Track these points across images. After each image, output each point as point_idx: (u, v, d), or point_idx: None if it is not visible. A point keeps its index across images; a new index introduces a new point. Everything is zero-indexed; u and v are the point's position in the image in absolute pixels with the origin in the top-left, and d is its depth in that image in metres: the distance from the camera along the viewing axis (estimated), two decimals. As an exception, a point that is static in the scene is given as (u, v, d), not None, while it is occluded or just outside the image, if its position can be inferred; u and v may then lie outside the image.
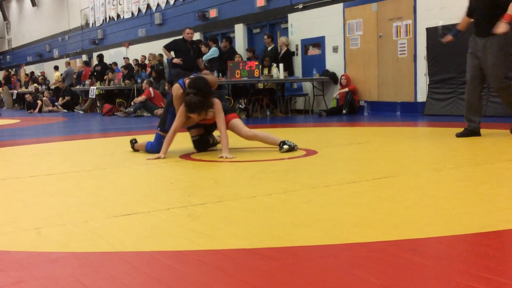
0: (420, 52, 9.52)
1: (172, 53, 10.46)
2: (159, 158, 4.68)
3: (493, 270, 1.74)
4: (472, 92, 5.52)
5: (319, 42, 11.59)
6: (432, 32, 9.07)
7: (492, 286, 1.59)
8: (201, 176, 3.88)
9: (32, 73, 24.44)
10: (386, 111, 10.09)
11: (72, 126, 10.71)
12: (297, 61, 12.13)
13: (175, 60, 10.10)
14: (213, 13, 14.48)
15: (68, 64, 20.69)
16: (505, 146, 4.84)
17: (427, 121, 8.31)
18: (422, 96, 9.57)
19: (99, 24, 21.17)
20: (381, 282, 1.65)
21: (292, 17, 12.13)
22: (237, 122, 5.04)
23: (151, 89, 12.67)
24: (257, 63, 10.48)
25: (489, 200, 2.74)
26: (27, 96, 18.87)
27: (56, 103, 17.90)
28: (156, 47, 15.24)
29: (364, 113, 10.40)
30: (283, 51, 11.88)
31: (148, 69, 15.44)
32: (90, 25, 21.91)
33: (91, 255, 2.04)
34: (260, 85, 11.24)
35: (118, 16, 19.63)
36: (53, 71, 22.15)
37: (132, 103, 13.29)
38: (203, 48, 11.74)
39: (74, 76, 18.94)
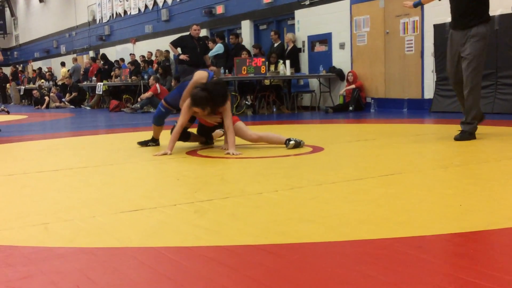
0: (428, 48, 9.47)
1: (179, 49, 10.46)
2: (165, 154, 4.69)
3: (499, 267, 1.74)
4: (460, 93, 5.21)
5: (325, 39, 11.56)
6: (439, 29, 9.03)
7: (498, 284, 1.59)
8: (208, 173, 3.89)
9: (40, 69, 24.52)
10: (393, 108, 10.06)
11: (79, 122, 10.74)
12: (304, 57, 12.11)
13: (182, 56, 10.11)
14: (219, 9, 14.48)
15: (75, 60, 20.76)
16: (513, 144, 4.82)
17: (434, 118, 8.28)
18: (429, 93, 9.53)
19: (106, 21, 21.20)
20: (387, 278, 1.65)
21: (298, 14, 12.10)
22: (241, 125, 5.03)
23: (157, 85, 12.69)
24: (263, 59, 10.47)
25: (496, 198, 2.73)
26: (34, 92, 18.94)
27: (63, 99, 17.96)
28: (163, 43, 15.26)
29: (371, 110, 10.37)
30: (289, 48, 11.86)
31: (155, 65, 15.46)
32: (97, 21, 21.95)
33: (98, 250, 2.05)
34: (267, 82, 11.23)
35: (125, 12, 19.66)
36: (60, 67, 22.23)
37: (139, 99, 13.32)
38: (210, 45, 11.74)
39: (81, 72, 19.00)
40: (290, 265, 1.82)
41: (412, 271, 1.72)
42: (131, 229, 2.35)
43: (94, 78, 16.98)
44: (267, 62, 10.68)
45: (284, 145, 4.90)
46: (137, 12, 18.82)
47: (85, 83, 17.91)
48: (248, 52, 11.65)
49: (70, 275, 1.79)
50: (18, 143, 6.54)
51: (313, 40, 11.86)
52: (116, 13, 20.35)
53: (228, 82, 10.87)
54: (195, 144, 5.39)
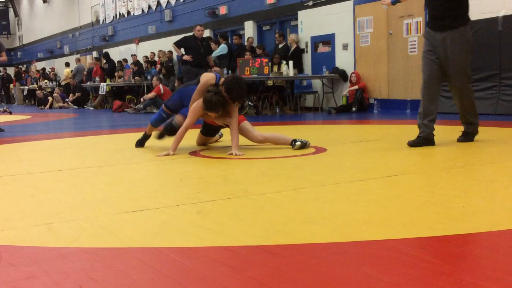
0: (431, 49, 9.45)
1: (182, 50, 10.48)
2: (168, 154, 4.69)
3: (503, 269, 1.73)
4: (429, 93, 4.88)
5: (329, 40, 11.56)
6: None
7: (501, 285, 1.58)
8: (211, 173, 3.89)
9: (44, 69, 24.58)
10: (396, 109, 10.05)
11: (82, 123, 10.76)
12: (307, 58, 12.10)
13: (185, 57, 10.12)
14: (223, 10, 14.49)
15: (78, 60, 20.79)
16: (516, 145, 4.81)
17: (437, 119, 8.24)
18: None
19: (109, 21, 21.24)
20: (391, 280, 1.65)
21: (302, 14, 12.10)
22: (247, 126, 5.02)
23: (161, 86, 12.71)
24: (266, 60, 10.47)
25: (499, 199, 2.73)
26: (38, 92, 18.99)
27: (67, 99, 17.99)
28: (166, 44, 15.28)
29: (374, 110, 10.35)
30: (293, 48, 11.86)
31: (158, 66, 15.48)
32: (101, 21, 21.99)
33: (101, 250, 2.06)
34: (270, 82, 11.23)
35: (129, 13, 19.69)
36: (63, 68, 22.27)
37: (141, 99, 13.34)
38: (213, 45, 11.75)
39: (85, 72, 19.03)
40: (293, 266, 1.82)
41: (415, 272, 1.72)
42: (134, 229, 2.35)
43: (97, 79, 17.01)
44: (270, 63, 10.68)
45: (290, 146, 4.90)
46: (140, 12, 18.85)
47: (88, 83, 17.95)
48: (254, 53, 11.62)
49: (73, 275, 1.80)
50: (22, 143, 6.55)
51: (316, 40, 11.86)
52: (120, 13, 20.38)
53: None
54: (194, 145, 5.39)
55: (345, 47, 11.20)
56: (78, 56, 22.49)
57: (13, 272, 1.84)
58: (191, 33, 10.56)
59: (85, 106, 17.37)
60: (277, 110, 11.19)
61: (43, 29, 28.36)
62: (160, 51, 16.07)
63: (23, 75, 25.39)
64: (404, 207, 2.58)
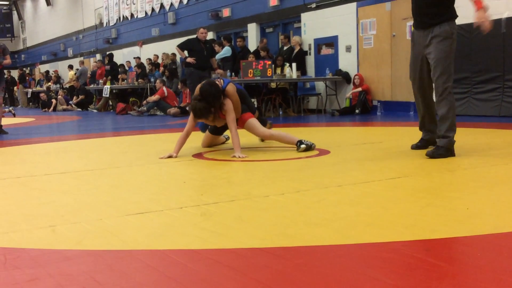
0: (434, 51, 9.44)
1: (186, 52, 10.49)
2: (170, 156, 4.70)
3: (508, 271, 1.73)
4: (423, 99, 4.79)
5: (332, 42, 11.56)
6: (446, 32, 9.00)
7: (505, 287, 1.58)
8: (214, 175, 3.89)
9: (48, 72, 24.65)
10: (399, 111, 10.04)
11: (86, 125, 10.78)
12: (310, 60, 12.10)
13: (189, 59, 10.13)
14: (226, 12, 14.50)
15: (82, 63, 20.84)
16: (520, 147, 4.79)
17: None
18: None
19: (113, 24, 21.28)
20: (394, 282, 1.65)
21: (305, 17, 12.11)
22: (253, 122, 5.06)
23: (165, 88, 12.72)
24: (270, 62, 10.47)
25: (503, 201, 2.72)
26: (41, 95, 19.04)
27: (70, 102, 18.04)
28: (170, 46, 15.29)
29: (377, 113, 10.35)
30: (296, 51, 11.86)
31: (161, 68, 15.51)
32: (104, 24, 22.04)
33: (105, 252, 2.06)
34: (273, 85, 11.24)
35: (132, 15, 19.73)
36: (67, 70, 22.32)
37: (144, 102, 13.36)
38: (217, 48, 11.76)
39: (88, 75, 19.08)
40: (296, 268, 1.82)
41: (420, 274, 1.72)
42: (138, 231, 2.35)
43: (101, 81, 17.05)
44: (273, 65, 10.68)
45: (295, 146, 4.90)
46: (144, 15, 18.89)
47: (92, 86, 17.99)
48: (259, 55, 11.62)
49: (77, 277, 1.80)
50: (26, 145, 6.57)
51: (320, 43, 11.86)
52: (123, 16, 20.42)
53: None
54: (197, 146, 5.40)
55: (348, 49, 11.20)
56: (81, 58, 22.53)
57: (17, 275, 1.84)
58: (194, 36, 10.57)
59: (88, 108, 17.41)
60: (280, 112, 11.19)
61: (47, 32, 28.44)
62: (163, 53, 16.10)
63: (27, 77, 25.47)
64: (408, 209, 2.58)
